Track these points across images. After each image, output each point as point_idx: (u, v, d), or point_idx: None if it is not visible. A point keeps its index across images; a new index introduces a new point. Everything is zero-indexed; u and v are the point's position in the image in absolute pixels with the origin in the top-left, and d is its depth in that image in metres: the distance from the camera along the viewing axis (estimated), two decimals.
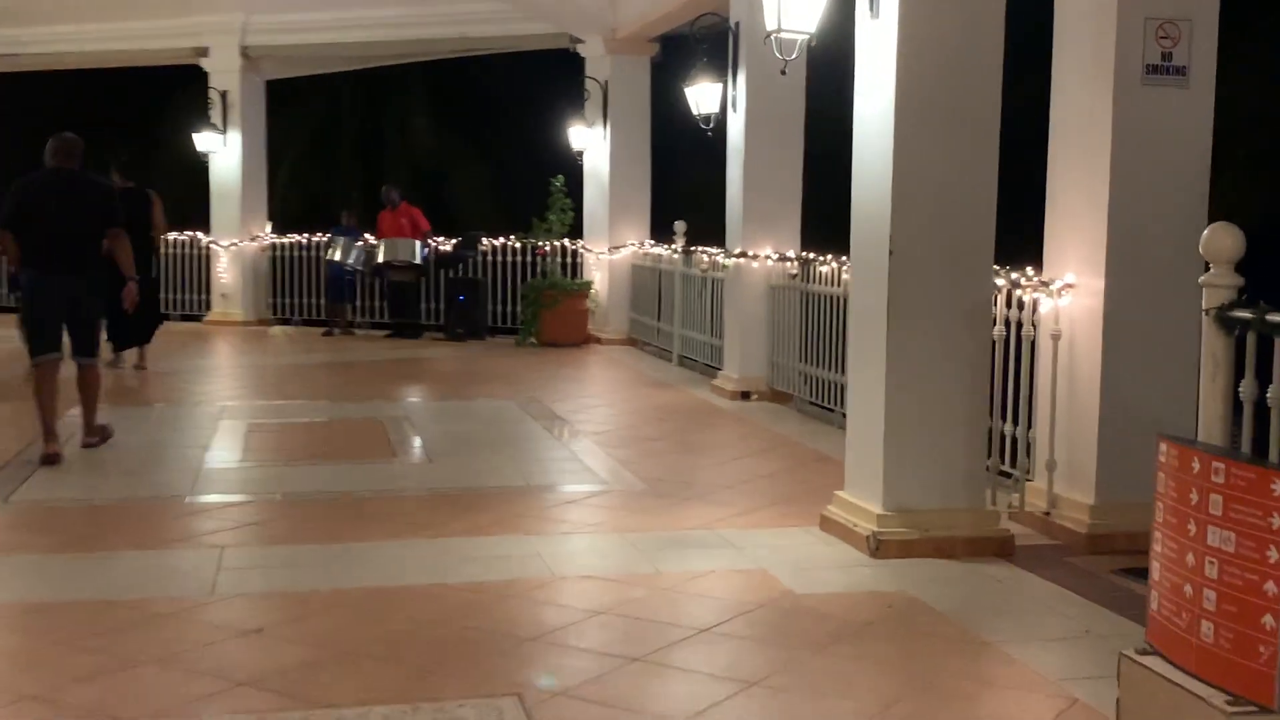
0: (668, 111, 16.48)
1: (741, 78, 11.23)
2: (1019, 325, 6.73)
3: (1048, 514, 6.54)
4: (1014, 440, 6.91)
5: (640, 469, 8.19)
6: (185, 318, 18.74)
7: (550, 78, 18.59)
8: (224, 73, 18.06)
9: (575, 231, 16.32)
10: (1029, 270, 6.67)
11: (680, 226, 13.93)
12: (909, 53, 5.98)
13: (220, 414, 10.36)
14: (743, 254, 11.27)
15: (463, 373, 13.73)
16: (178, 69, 19.26)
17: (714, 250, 12.65)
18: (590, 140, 15.97)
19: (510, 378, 13.01)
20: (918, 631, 5.08)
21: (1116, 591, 5.55)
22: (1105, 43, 6.17)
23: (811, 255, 10.46)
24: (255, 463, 8.52)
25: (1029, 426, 6.78)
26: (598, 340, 15.90)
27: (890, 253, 6.04)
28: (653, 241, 15.31)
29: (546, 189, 16.06)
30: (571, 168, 16.25)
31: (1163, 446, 3.89)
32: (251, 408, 10.96)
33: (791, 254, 10.98)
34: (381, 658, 4.65)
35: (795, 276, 10.75)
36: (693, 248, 13.56)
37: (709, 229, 14.62)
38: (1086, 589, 5.60)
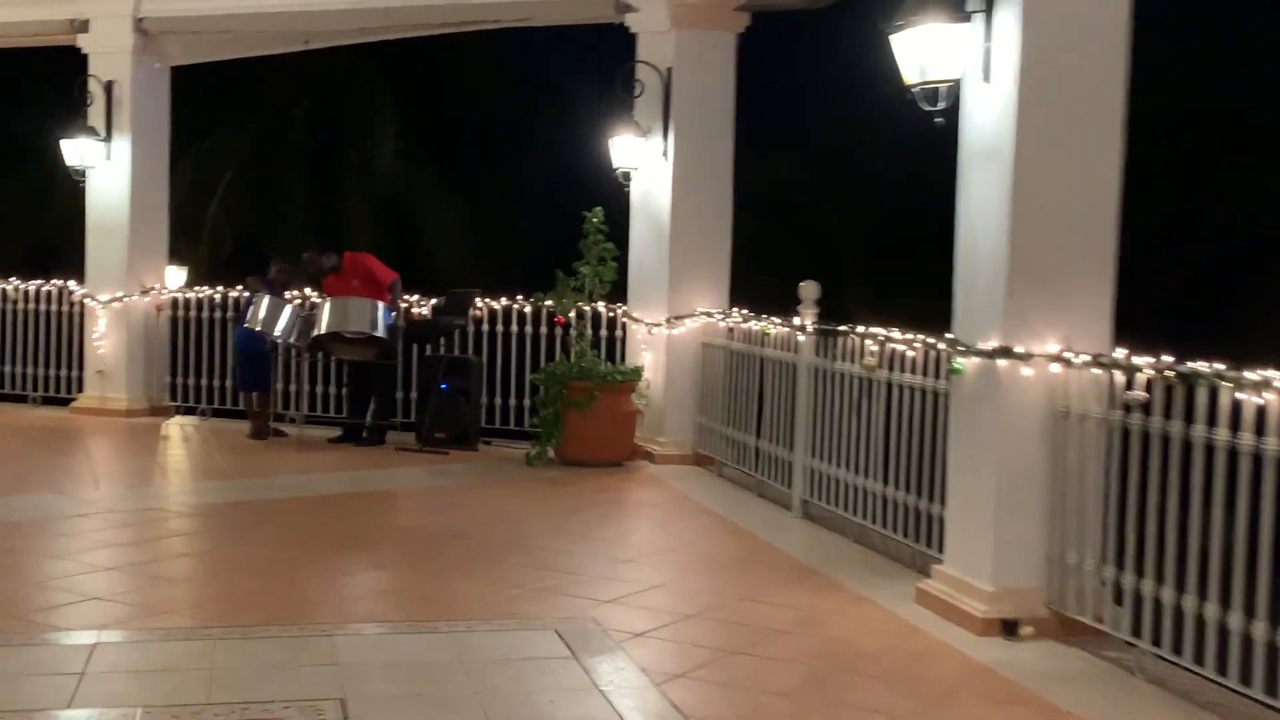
0: (762, 115, 11.15)
1: (1010, 14, 5.82)
2: None
3: None
4: None
5: None
6: (48, 400, 13.29)
7: (580, 64, 13.10)
8: (110, 54, 12.73)
9: (615, 293, 10.89)
10: None
11: (811, 291, 8.55)
12: None
13: None
14: (1002, 350, 5.82)
15: (450, 532, 8.07)
16: (46, 52, 13.77)
17: (900, 335, 7.21)
18: (643, 156, 10.54)
19: (531, 545, 7.51)
20: None
21: None
22: None
23: (1205, 366, 4.99)
24: None
25: None
26: (648, 455, 10.46)
27: None
28: (745, 312, 9.84)
29: (570, 229, 10.66)
30: (612, 198, 10.80)
31: None
32: (41, 662, 5.40)
33: (1125, 354, 5.52)
34: None
35: (1143, 405, 5.31)
36: (836, 325, 8.15)
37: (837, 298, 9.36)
38: None
